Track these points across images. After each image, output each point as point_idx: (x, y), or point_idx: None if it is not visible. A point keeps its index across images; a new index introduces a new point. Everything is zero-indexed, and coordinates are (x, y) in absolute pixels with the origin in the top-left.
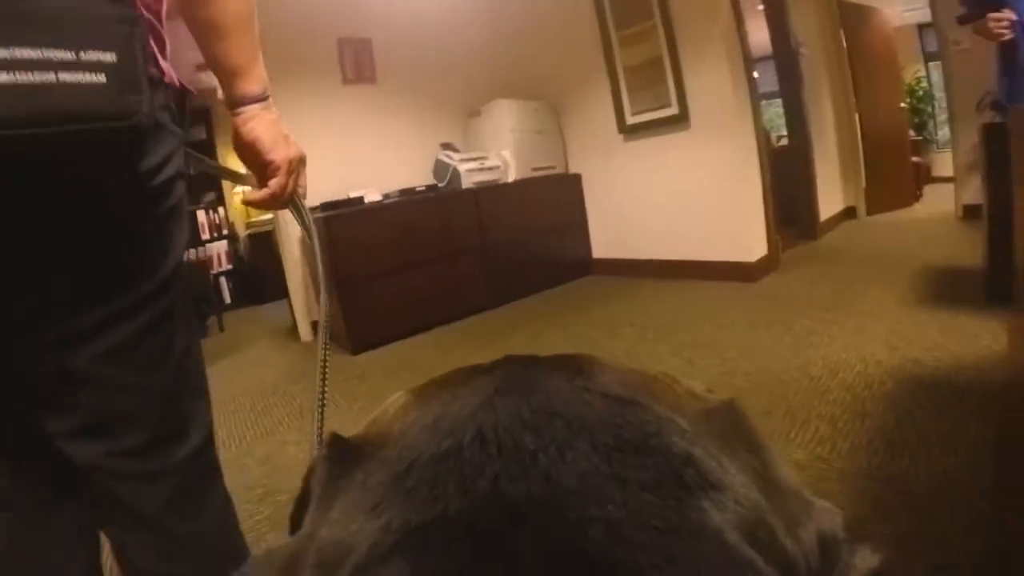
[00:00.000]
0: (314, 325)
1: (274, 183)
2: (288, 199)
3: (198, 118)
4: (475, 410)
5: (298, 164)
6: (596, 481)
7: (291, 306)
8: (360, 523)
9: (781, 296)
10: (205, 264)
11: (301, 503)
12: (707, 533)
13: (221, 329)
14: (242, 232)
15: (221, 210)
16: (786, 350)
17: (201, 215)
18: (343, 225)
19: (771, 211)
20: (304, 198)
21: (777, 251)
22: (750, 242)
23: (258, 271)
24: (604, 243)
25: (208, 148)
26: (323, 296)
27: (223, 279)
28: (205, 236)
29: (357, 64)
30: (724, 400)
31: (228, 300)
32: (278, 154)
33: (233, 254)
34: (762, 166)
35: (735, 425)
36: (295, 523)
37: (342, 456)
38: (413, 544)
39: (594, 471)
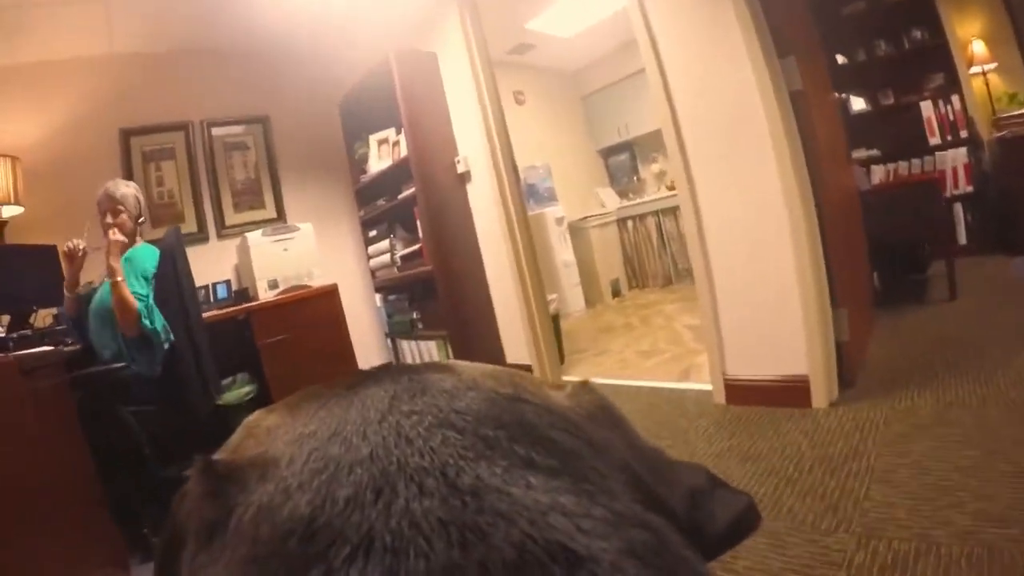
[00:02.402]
0: None
1: None
2: None
3: None
4: (378, 422)
5: None
6: (512, 476)
7: None
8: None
9: None
10: (934, 182)
11: (172, 547)
12: (622, 504)
13: (952, 296)
14: (987, 134)
15: (955, 99)
16: None
17: (927, 108)
18: None
19: None
20: None
21: None
22: None
23: (1012, 199)
24: None
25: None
26: None
27: (958, 206)
28: (934, 140)
29: None
30: (580, 382)
31: (963, 240)
32: None
33: (974, 169)
34: None
35: (600, 407)
36: (166, 571)
37: (218, 487)
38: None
39: (507, 467)
